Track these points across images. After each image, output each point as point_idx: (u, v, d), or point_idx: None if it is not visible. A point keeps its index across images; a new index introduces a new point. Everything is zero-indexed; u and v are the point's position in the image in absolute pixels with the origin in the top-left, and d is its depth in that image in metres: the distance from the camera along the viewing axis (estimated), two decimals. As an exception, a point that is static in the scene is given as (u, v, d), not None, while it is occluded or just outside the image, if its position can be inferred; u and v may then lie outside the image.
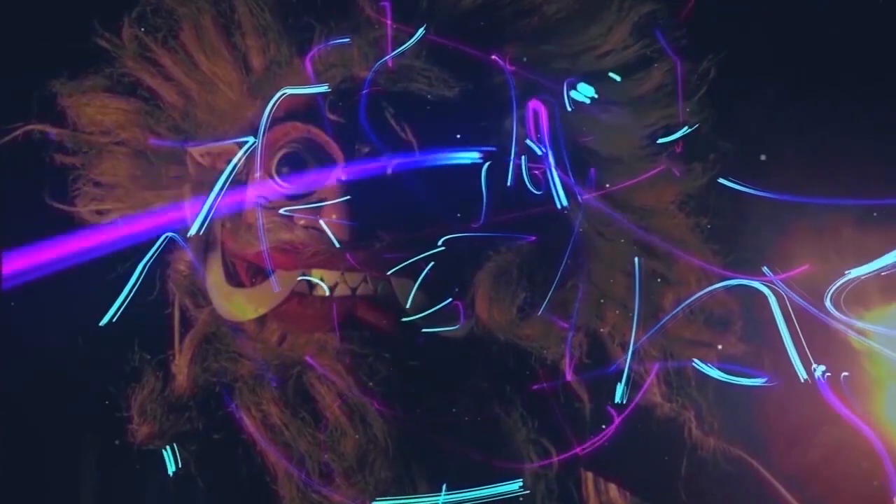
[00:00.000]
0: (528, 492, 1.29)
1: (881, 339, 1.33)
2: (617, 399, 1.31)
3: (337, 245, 1.23)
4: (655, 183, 1.37)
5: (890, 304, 1.35)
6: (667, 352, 1.35)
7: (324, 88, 1.24)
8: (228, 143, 1.30)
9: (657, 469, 1.35)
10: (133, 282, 1.27)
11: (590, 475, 1.38)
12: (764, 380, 1.33)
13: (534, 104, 1.30)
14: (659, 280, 1.35)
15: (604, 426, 1.33)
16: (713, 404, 1.35)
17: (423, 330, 1.27)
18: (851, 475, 1.39)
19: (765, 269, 1.32)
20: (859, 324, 1.33)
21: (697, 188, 1.38)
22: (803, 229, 1.38)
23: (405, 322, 1.27)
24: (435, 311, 1.27)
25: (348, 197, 1.23)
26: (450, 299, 1.28)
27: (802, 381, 1.30)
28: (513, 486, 1.28)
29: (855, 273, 1.31)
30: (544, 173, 1.30)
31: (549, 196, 1.30)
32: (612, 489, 1.39)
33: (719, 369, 1.33)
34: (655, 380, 1.35)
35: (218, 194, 1.27)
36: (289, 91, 1.25)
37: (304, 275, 1.28)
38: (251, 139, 1.26)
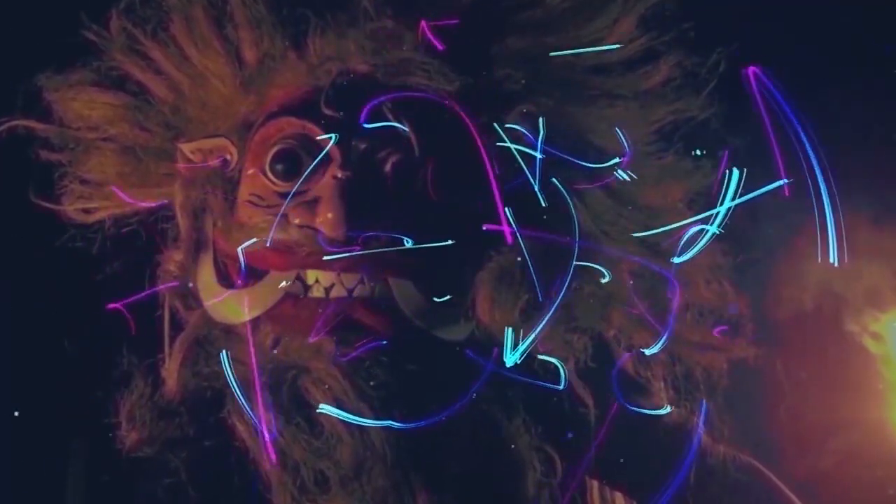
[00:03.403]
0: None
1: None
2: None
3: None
4: (662, 180, 1.34)
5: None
6: (675, 355, 1.32)
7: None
8: (220, 138, 1.28)
9: (665, 477, 1.32)
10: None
11: (595, 483, 1.34)
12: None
13: None
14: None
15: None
16: (722, 410, 1.32)
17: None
18: (865, 482, 1.37)
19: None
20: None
21: (706, 186, 1.35)
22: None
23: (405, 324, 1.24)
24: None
25: (345, 195, 1.20)
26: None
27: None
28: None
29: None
30: None
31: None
32: (619, 497, 1.35)
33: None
34: (663, 384, 1.32)
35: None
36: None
37: (298, 276, 1.25)
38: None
